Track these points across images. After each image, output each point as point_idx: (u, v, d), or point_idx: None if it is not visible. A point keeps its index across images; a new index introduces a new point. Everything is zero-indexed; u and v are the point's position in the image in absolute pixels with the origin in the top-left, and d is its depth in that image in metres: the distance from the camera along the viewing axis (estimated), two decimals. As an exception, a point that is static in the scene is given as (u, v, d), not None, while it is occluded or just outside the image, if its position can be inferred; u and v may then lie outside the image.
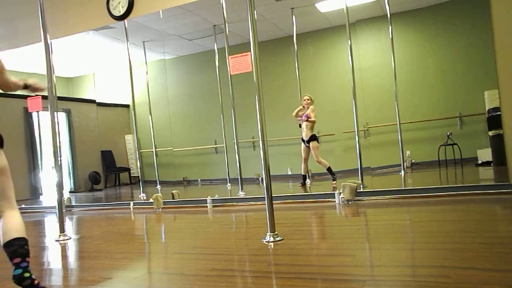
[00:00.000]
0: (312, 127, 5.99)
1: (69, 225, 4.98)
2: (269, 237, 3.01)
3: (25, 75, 2.68)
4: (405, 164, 6.24)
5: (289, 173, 7.51)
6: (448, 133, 6.16)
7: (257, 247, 2.88)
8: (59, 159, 4.17)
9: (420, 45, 6.86)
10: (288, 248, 2.80)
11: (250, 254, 2.76)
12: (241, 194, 5.48)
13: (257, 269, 2.42)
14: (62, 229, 3.94)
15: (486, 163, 5.80)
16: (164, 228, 4.27)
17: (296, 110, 6.17)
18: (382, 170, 6.66)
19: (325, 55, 7.55)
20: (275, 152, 7.40)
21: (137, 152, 7.19)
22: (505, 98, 4.12)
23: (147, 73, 7.70)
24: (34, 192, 8.09)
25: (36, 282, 1.96)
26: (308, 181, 6.26)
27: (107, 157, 9.13)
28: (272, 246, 2.88)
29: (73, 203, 6.56)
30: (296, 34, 6.98)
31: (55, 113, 4.32)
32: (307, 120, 5.96)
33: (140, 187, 6.53)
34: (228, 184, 6.64)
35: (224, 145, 6.88)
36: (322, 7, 6.56)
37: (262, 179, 3.23)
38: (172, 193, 5.66)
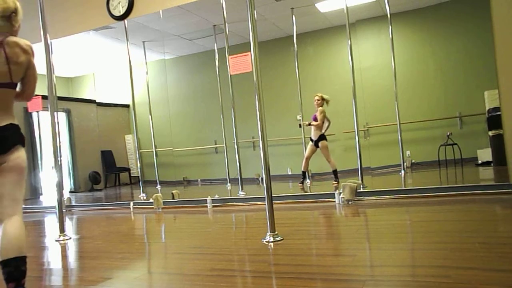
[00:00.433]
0: (320, 127, 5.90)
1: (69, 225, 4.98)
2: (269, 237, 3.01)
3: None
4: (405, 164, 6.23)
5: (289, 173, 7.50)
6: (448, 133, 6.15)
7: (257, 247, 2.89)
8: (59, 159, 4.18)
9: (420, 45, 6.86)
10: (288, 248, 2.80)
11: (250, 254, 2.76)
12: (241, 194, 5.48)
13: (257, 269, 2.42)
14: (62, 229, 3.94)
15: (486, 163, 5.80)
16: (164, 228, 4.27)
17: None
18: (382, 170, 6.66)
19: (325, 55, 7.55)
20: (275, 152, 7.40)
21: (137, 152, 7.18)
22: (505, 98, 4.12)
23: (147, 73, 7.69)
24: (34, 192, 8.09)
25: None
26: (308, 180, 6.25)
27: (107, 157, 9.13)
28: (272, 246, 2.88)
29: (73, 203, 6.56)
30: (296, 34, 6.97)
31: (55, 113, 4.32)
32: (309, 124, 5.92)
33: (140, 187, 6.53)
34: (228, 184, 6.63)
35: (224, 145, 6.88)
36: (322, 7, 6.55)
37: (262, 179, 3.23)
38: (172, 193, 5.67)
